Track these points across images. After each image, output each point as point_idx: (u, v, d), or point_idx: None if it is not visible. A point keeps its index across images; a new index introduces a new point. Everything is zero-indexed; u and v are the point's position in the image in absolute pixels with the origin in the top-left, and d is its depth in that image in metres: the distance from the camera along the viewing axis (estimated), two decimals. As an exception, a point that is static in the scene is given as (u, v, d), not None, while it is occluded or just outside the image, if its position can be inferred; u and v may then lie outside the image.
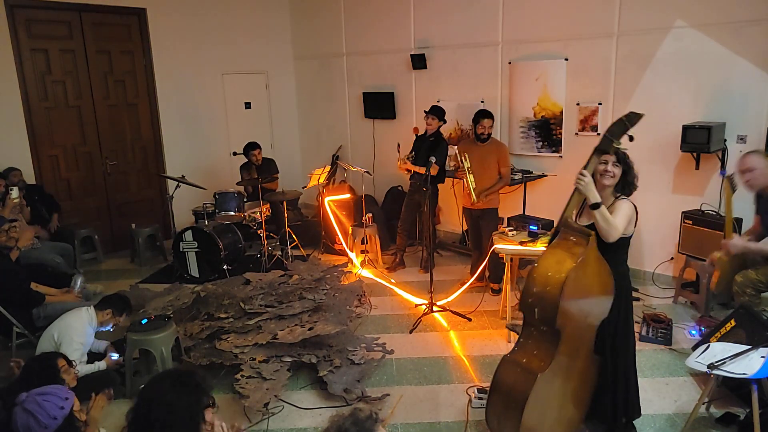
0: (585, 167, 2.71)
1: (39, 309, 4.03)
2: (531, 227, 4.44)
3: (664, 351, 3.98)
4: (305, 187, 6.90)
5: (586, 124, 5.32)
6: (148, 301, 4.56)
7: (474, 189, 4.86)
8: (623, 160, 2.78)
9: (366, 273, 5.73)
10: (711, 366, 2.80)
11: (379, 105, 7.05)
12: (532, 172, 5.66)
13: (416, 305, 4.92)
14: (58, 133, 6.23)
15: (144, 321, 3.70)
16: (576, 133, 5.42)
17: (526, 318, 2.85)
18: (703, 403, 3.09)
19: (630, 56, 4.98)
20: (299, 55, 8.11)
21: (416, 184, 5.55)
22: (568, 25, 5.29)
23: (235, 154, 7.47)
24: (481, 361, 3.96)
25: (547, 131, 5.63)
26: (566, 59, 5.37)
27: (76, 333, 3.50)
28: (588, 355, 2.86)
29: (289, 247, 6.03)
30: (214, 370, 3.69)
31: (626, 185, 2.82)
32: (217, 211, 6.10)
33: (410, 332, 4.44)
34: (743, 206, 4.46)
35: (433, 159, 4.79)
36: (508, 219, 4.92)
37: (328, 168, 7.17)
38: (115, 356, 3.74)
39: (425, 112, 5.54)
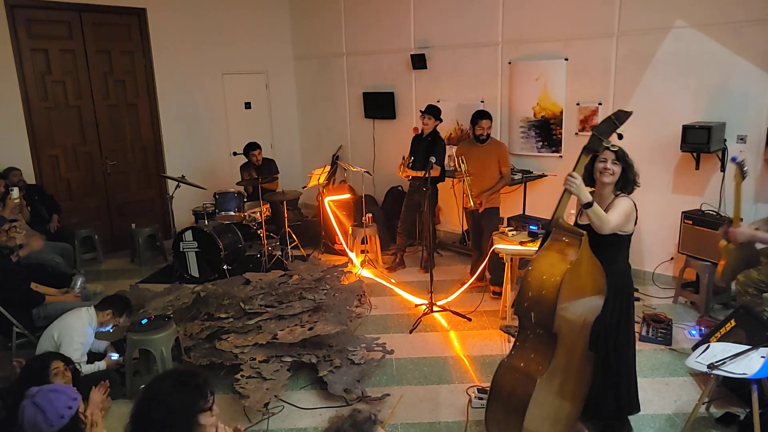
0: (575, 167, 2.72)
1: (39, 309, 4.03)
2: (531, 227, 4.44)
3: (664, 351, 3.98)
4: (305, 187, 6.90)
5: (586, 124, 5.32)
6: (148, 301, 4.56)
7: (471, 194, 4.84)
8: (622, 158, 2.79)
9: (366, 273, 5.73)
10: (711, 366, 2.80)
11: (379, 105, 7.05)
12: (532, 172, 5.66)
13: (416, 305, 4.92)
14: (58, 133, 6.23)
15: (144, 321, 3.70)
16: (576, 133, 5.42)
17: (522, 321, 2.83)
18: (703, 403, 3.09)
19: (630, 56, 4.98)
20: (299, 55, 8.12)
21: (416, 184, 5.55)
22: (568, 25, 5.29)
23: (235, 154, 7.47)
24: (481, 361, 3.96)
25: (547, 131, 5.63)
26: (566, 59, 5.37)
27: (77, 333, 3.50)
28: (583, 353, 2.87)
29: (289, 247, 6.03)
30: (214, 370, 3.69)
31: (627, 183, 2.84)
32: (217, 211, 6.10)
33: (410, 332, 4.44)
34: (744, 207, 4.46)
35: (433, 159, 4.79)
36: (508, 219, 4.93)
37: (328, 168, 7.17)
38: (115, 356, 3.74)
39: (421, 111, 5.54)
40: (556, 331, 2.64)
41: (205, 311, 4.38)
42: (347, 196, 6.66)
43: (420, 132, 5.61)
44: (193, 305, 4.47)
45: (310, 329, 3.91)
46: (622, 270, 2.90)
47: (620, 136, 2.76)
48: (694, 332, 4.17)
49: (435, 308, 4.73)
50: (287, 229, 6.07)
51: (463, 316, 4.62)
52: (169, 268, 5.92)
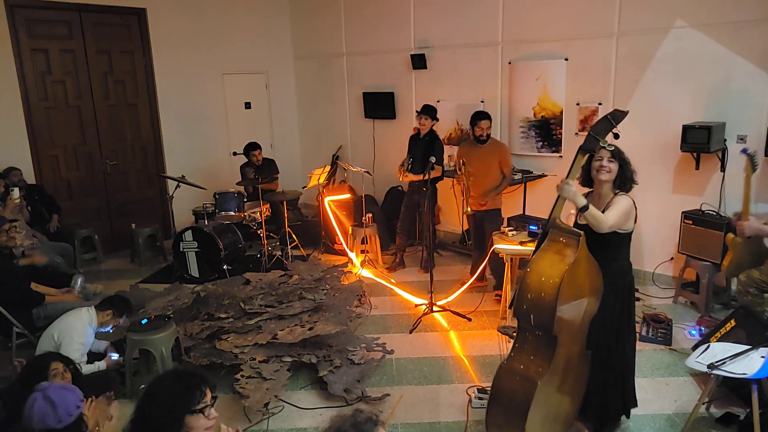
0: (571, 167, 2.74)
1: (39, 309, 4.03)
2: (531, 227, 4.44)
3: (664, 351, 3.98)
4: (305, 187, 6.90)
5: (586, 124, 5.32)
6: (148, 301, 4.56)
7: (469, 199, 4.83)
8: (618, 155, 2.81)
9: (366, 273, 5.73)
10: (711, 366, 2.80)
11: (379, 105, 7.05)
12: (532, 172, 5.66)
13: (416, 305, 4.92)
14: (58, 133, 6.23)
15: (144, 321, 3.70)
16: (576, 133, 5.42)
17: (521, 323, 2.82)
18: (703, 403, 3.09)
19: (630, 56, 4.98)
20: (299, 55, 8.12)
21: (415, 184, 5.55)
22: (568, 25, 5.29)
23: (235, 154, 7.47)
24: (481, 361, 3.96)
25: (547, 131, 5.63)
26: (566, 59, 5.37)
27: (77, 333, 3.50)
28: (581, 352, 2.88)
29: (289, 247, 6.03)
30: (214, 370, 3.69)
31: (625, 181, 2.85)
32: (217, 211, 6.10)
33: (410, 332, 4.44)
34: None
35: (433, 159, 4.78)
36: (508, 219, 4.92)
37: (328, 168, 7.16)
38: (115, 356, 3.74)
39: (417, 112, 5.54)
40: (556, 333, 2.64)
41: (205, 311, 4.38)
42: (347, 196, 6.67)
43: (417, 132, 5.60)
44: (193, 305, 4.47)
45: (310, 329, 3.91)
46: (622, 268, 2.91)
47: (616, 136, 2.77)
48: (694, 332, 4.17)
49: (435, 308, 4.73)
50: (287, 229, 6.07)
51: (463, 316, 4.62)
52: (169, 268, 5.92)
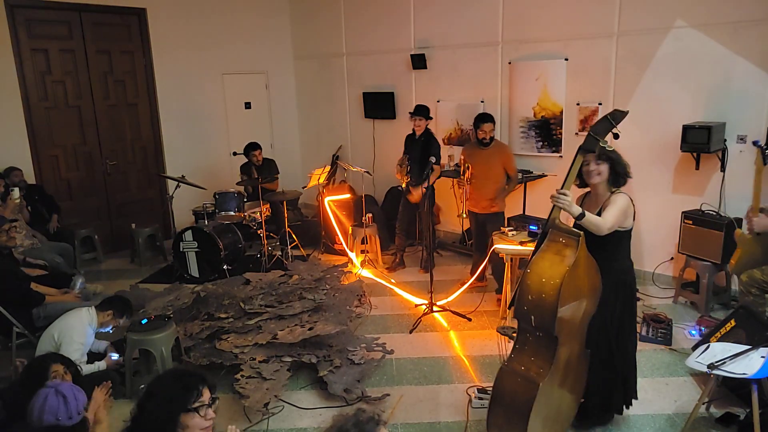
0: (568, 172, 2.75)
1: (39, 309, 4.03)
2: (531, 227, 4.44)
3: (664, 351, 3.98)
4: (305, 187, 6.90)
5: (586, 124, 5.32)
6: (148, 301, 4.56)
7: (465, 202, 4.81)
8: (604, 155, 2.80)
9: (366, 273, 5.73)
10: (711, 366, 2.80)
11: (379, 105, 7.05)
12: (532, 172, 5.66)
13: (416, 305, 4.92)
14: (58, 133, 6.23)
15: (144, 321, 3.70)
16: (576, 133, 5.42)
17: (521, 324, 2.82)
18: (703, 403, 3.09)
19: (630, 56, 4.98)
20: (299, 55, 8.12)
21: (412, 184, 5.53)
22: (568, 25, 5.29)
23: (235, 154, 7.47)
24: (481, 361, 3.96)
25: (547, 131, 5.63)
26: (566, 59, 5.37)
27: (77, 333, 3.50)
28: (580, 351, 2.89)
29: (289, 247, 6.03)
30: (214, 370, 3.69)
31: (618, 177, 2.85)
32: (217, 211, 6.10)
33: (410, 332, 4.44)
34: (744, 207, 4.46)
35: (433, 159, 4.78)
36: (508, 219, 4.93)
37: (328, 168, 7.16)
38: (115, 356, 3.74)
39: (410, 114, 5.51)
40: (557, 333, 2.64)
41: (205, 311, 4.38)
42: (347, 196, 6.66)
43: (413, 132, 5.58)
44: (193, 305, 4.47)
45: (310, 329, 3.91)
46: (622, 267, 2.91)
47: (616, 136, 2.77)
48: (694, 332, 4.17)
49: (435, 308, 4.73)
50: (287, 229, 6.07)
51: (463, 316, 4.62)
52: (169, 268, 5.92)
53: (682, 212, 4.66)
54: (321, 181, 6.69)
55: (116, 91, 6.61)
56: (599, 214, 2.79)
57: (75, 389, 2.28)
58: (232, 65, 7.49)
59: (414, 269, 5.87)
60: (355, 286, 5.05)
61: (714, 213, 4.51)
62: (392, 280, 5.52)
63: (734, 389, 3.30)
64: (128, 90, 6.70)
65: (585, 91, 5.31)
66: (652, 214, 4.97)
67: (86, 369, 3.47)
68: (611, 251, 2.84)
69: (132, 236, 6.27)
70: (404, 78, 6.79)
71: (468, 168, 4.81)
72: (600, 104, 5.22)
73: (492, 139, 4.89)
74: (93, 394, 2.61)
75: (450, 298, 4.90)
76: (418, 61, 6.46)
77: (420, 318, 4.61)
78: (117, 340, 3.93)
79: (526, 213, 5.51)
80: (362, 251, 5.95)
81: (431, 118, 5.53)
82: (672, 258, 5.02)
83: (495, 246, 4.41)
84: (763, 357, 2.78)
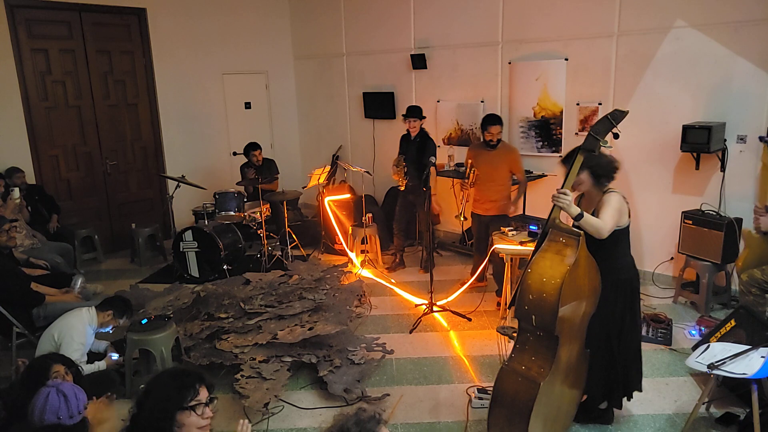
0: (569, 168, 2.75)
1: (39, 309, 4.03)
2: (531, 227, 4.44)
3: (664, 351, 3.98)
4: (305, 187, 6.90)
5: (586, 124, 5.32)
6: (148, 301, 4.57)
7: (463, 209, 4.80)
8: (582, 165, 2.78)
9: (366, 273, 5.72)
10: (711, 366, 2.80)
11: (379, 105, 7.05)
12: (532, 172, 5.66)
13: (416, 305, 4.92)
14: (58, 133, 6.23)
15: (144, 321, 3.70)
16: (576, 133, 5.42)
17: (522, 324, 2.82)
18: (703, 403, 3.09)
19: (630, 56, 4.98)
20: (299, 55, 8.12)
21: (409, 185, 5.53)
22: (568, 25, 5.29)
23: (235, 154, 7.47)
24: (481, 361, 3.96)
25: (547, 131, 5.63)
26: (566, 59, 5.37)
27: (77, 333, 3.50)
28: (580, 351, 2.89)
29: (289, 247, 6.03)
30: (214, 370, 3.69)
31: (601, 176, 2.84)
32: (217, 211, 6.10)
33: (410, 332, 4.44)
34: (744, 207, 4.47)
35: (433, 159, 4.78)
36: (508, 219, 4.92)
37: (328, 168, 7.17)
38: (115, 356, 3.74)
39: (403, 116, 5.50)
40: (558, 333, 2.64)
41: (205, 311, 4.38)
42: (347, 196, 6.66)
43: (407, 132, 5.57)
44: (193, 305, 4.47)
45: (310, 329, 3.92)
46: (622, 265, 2.91)
47: (616, 136, 2.77)
48: (694, 332, 4.17)
49: (435, 308, 4.73)
50: (287, 229, 6.07)
51: (463, 316, 4.62)
52: (169, 268, 5.92)
53: (682, 212, 4.66)
54: (321, 181, 6.69)
55: (116, 91, 6.61)
56: (593, 215, 2.79)
57: (76, 389, 2.30)
58: (232, 65, 7.49)
59: (414, 269, 5.87)
60: (355, 286, 5.05)
61: (714, 213, 4.50)
62: (392, 280, 5.52)
63: (734, 389, 3.30)
64: (128, 90, 6.70)
65: (585, 91, 5.31)
66: (652, 214, 4.97)
67: (86, 369, 3.47)
68: (610, 250, 2.84)
69: (132, 236, 6.27)
70: (404, 78, 6.79)
71: (473, 170, 4.77)
72: (600, 104, 5.22)
73: (499, 141, 4.85)
74: (94, 403, 2.61)
75: (450, 298, 4.90)
76: (418, 61, 6.46)
77: (420, 318, 4.61)
78: (117, 340, 3.93)
79: (526, 213, 5.50)
80: (362, 251, 5.95)
81: (425, 118, 5.52)
82: (672, 258, 5.02)
83: (495, 246, 4.41)
84: (763, 357, 2.78)
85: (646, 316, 4.30)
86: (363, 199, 6.14)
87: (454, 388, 3.62)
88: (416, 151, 5.38)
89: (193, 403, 1.89)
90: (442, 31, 6.30)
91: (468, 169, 4.87)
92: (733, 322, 3.46)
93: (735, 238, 4.33)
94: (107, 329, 3.75)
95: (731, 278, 4.55)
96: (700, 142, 4.38)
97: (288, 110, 8.29)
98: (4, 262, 4.04)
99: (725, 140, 4.54)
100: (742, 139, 4.50)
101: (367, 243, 5.94)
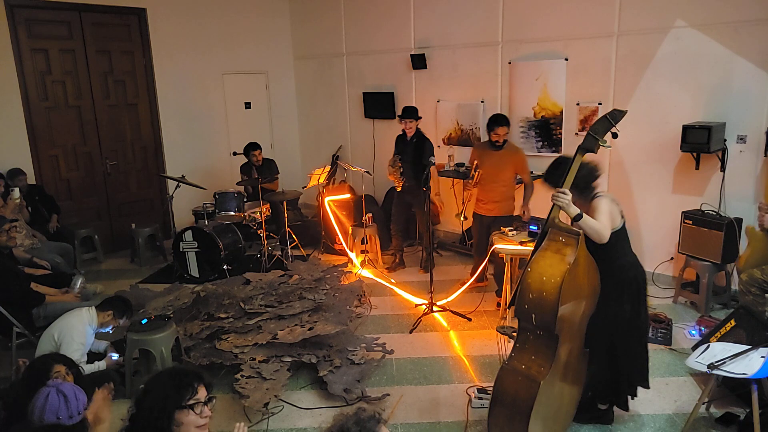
0: (569, 168, 2.74)
1: (39, 309, 4.03)
2: (531, 227, 4.44)
3: (664, 351, 3.98)
4: (305, 187, 6.90)
5: (586, 124, 5.32)
6: (148, 301, 4.56)
7: (464, 209, 4.78)
8: (553, 181, 2.77)
9: (366, 273, 5.73)
10: (711, 366, 2.80)
11: (379, 105, 7.05)
12: (532, 172, 5.62)
13: (416, 305, 4.92)
14: (58, 133, 6.22)
15: (144, 321, 3.70)
16: (576, 133, 5.42)
17: (522, 323, 2.82)
18: (703, 403, 3.09)
19: (630, 56, 4.98)
20: (299, 55, 8.12)
21: (406, 186, 5.52)
22: (568, 25, 5.29)
23: (235, 154, 7.47)
24: (481, 361, 3.96)
25: (547, 131, 5.63)
26: (566, 59, 5.37)
27: (77, 333, 3.50)
28: (580, 350, 2.89)
29: (289, 247, 6.03)
30: (214, 370, 3.69)
31: (584, 187, 2.83)
32: (217, 211, 6.10)
33: (410, 332, 4.44)
34: (744, 207, 4.47)
35: (433, 159, 4.78)
36: (511, 220, 4.91)
37: (328, 168, 7.17)
38: (115, 356, 3.74)
39: (399, 117, 5.49)
40: (558, 332, 2.64)
41: (205, 311, 4.38)
42: (347, 196, 6.66)
43: (402, 133, 5.56)
44: (193, 305, 4.47)
45: (310, 329, 3.92)
46: (623, 264, 2.90)
47: (615, 135, 2.77)
48: (694, 332, 4.17)
49: (435, 308, 4.73)
50: (287, 229, 6.08)
51: (463, 316, 4.62)
52: (169, 268, 5.92)
53: (682, 212, 4.65)
54: (321, 181, 6.69)
55: (116, 91, 6.61)
56: None
57: (76, 389, 2.29)
58: (232, 65, 7.49)
59: (414, 269, 5.87)
60: (355, 286, 5.05)
61: (714, 213, 4.50)
62: (392, 280, 5.52)
63: (734, 389, 3.29)
64: (128, 90, 6.70)
65: (585, 91, 5.30)
66: (652, 214, 4.97)
67: (86, 369, 3.47)
68: (609, 252, 2.83)
69: (132, 236, 6.27)
70: (404, 78, 6.79)
71: (478, 171, 4.75)
72: (600, 104, 5.22)
73: (505, 141, 4.82)
74: (94, 396, 2.61)
75: (450, 298, 4.90)
76: (418, 61, 6.46)
77: (420, 318, 4.61)
78: (117, 340, 3.93)
79: (526, 213, 5.50)
80: (362, 251, 5.95)
81: (420, 118, 5.52)
82: (672, 258, 5.02)
83: (495, 246, 4.41)
84: (763, 357, 2.78)
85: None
86: (363, 199, 6.15)
87: (454, 388, 3.62)
88: (413, 151, 5.38)
89: (191, 401, 1.89)
90: (442, 31, 6.30)
91: (472, 169, 4.86)
92: (733, 322, 3.46)
93: (735, 238, 4.33)
94: (107, 329, 3.75)
95: (731, 278, 4.55)
96: (700, 142, 4.38)
97: (288, 110, 8.30)
98: (4, 262, 4.05)
99: (725, 140, 4.54)
100: (742, 139, 4.50)
101: (367, 243, 5.94)
